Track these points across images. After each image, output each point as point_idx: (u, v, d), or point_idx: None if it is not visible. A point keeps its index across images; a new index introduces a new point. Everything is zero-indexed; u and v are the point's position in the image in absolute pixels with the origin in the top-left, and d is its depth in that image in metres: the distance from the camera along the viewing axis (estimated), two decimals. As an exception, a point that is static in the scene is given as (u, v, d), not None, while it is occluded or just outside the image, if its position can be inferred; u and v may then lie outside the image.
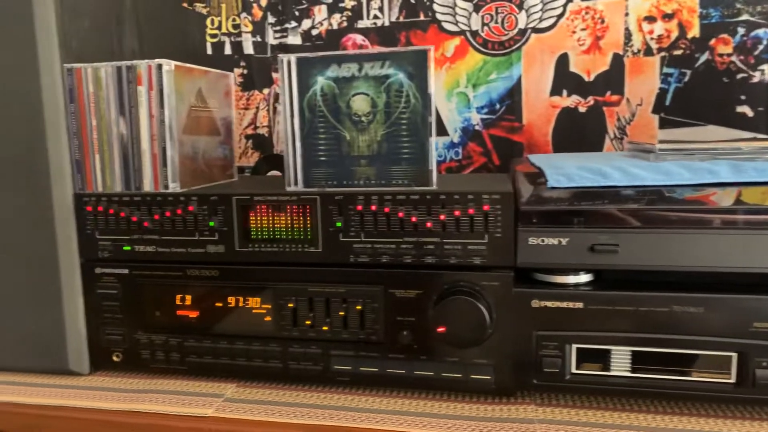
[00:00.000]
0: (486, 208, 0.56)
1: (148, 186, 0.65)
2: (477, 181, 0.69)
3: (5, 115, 0.64)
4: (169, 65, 0.63)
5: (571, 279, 0.58)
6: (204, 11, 1.10)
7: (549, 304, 0.57)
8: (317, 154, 0.63)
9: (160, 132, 0.64)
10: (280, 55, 0.62)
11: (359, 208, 0.59)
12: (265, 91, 1.10)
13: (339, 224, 0.60)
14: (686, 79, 0.96)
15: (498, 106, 1.02)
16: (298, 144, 0.63)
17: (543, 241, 0.57)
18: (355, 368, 0.62)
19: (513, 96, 1.02)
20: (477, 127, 1.03)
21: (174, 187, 0.65)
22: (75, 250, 0.67)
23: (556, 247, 0.56)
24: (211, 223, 0.63)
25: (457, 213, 0.57)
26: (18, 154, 0.65)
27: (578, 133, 1.00)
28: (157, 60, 0.63)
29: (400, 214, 0.58)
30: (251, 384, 0.65)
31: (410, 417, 0.57)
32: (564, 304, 0.57)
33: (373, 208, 0.59)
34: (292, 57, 0.62)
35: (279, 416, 0.58)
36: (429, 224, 0.58)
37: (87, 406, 0.62)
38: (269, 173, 1.00)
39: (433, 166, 0.60)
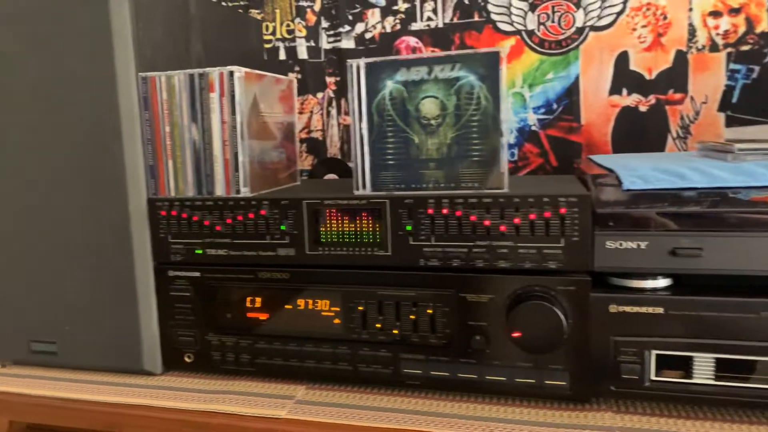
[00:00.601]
0: (563, 211, 0.55)
1: (219, 191, 0.66)
2: (545, 184, 0.68)
3: (84, 123, 0.67)
4: (240, 72, 0.64)
5: (649, 283, 0.57)
6: (258, 17, 1.11)
7: (628, 309, 0.56)
8: (385, 157, 0.63)
9: (231, 138, 0.65)
10: (348, 60, 0.62)
11: (430, 211, 0.59)
12: (319, 95, 1.11)
13: (409, 228, 0.60)
14: (754, 75, 0.92)
15: (555, 106, 1.01)
16: (366, 148, 0.63)
17: (621, 244, 0.55)
18: (425, 372, 0.62)
19: (571, 95, 1.00)
20: (533, 128, 1.02)
21: (245, 191, 0.66)
22: (149, 254, 0.69)
23: (635, 250, 0.55)
24: (283, 227, 0.64)
25: (532, 216, 0.56)
26: (95, 160, 0.67)
27: (639, 132, 0.98)
28: (228, 67, 0.64)
29: (473, 218, 0.58)
30: (320, 386, 0.66)
31: (483, 422, 0.57)
32: (643, 309, 0.55)
33: (445, 211, 0.59)
34: (361, 62, 0.62)
35: (352, 419, 0.59)
36: (503, 228, 0.57)
37: (164, 405, 0.63)
38: (326, 176, 1.01)
39: (505, 169, 0.59)
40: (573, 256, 0.56)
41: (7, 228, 0.71)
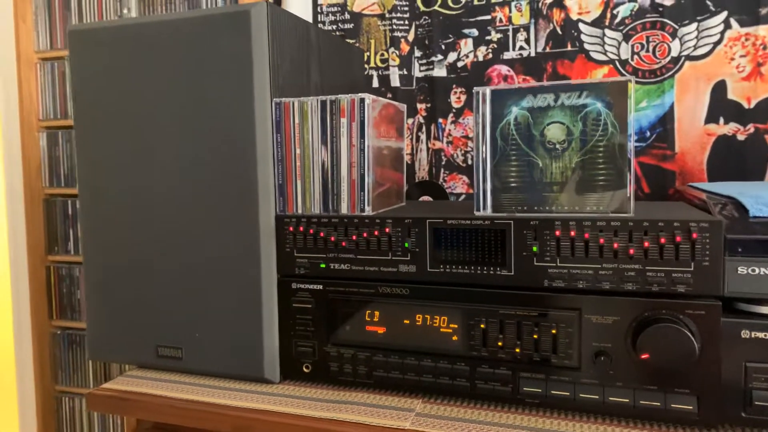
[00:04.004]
0: (694, 235, 0.56)
1: (345, 209, 0.70)
2: (661, 209, 0.69)
3: (223, 144, 0.72)
4: (369, 99, 0.69)
5: (780, 310, 0.57)
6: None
7: (761, 335, 0.56)
8: (508, 180, 0.66)
9: (359, 160, 0.69)
10: (475, 88, 0.66)
11: (557, 233, 0.61)
12: (410, 120, 1.15)
13: (535, 249, 0.62)
14: None
15: (648, 133, 1.02)
16: (488, 170, 0.66)
17: (753, 270, 0.56)
18: (545, 391, 0.63)
19: (665, 124, 1.01)
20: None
21: (368, 210, 0.69)
22: (274, 267, 0.73)
23: (769, 277, 0.55)
24: (406, 245, 0.67)
25: (662, 240, 0.57)
26: (231, 178, 0.72)
27: (737, 161, 0.97)
28: (359, 94, 0.69)
29: (601, 240, 0.59)
30: (437, 401, 0.68)
31: (610, 443, 0.57)
32: (779, 336, 0.55)
33: (573, 233, 0.60)
34: (487, 89, 0.65)
35: (474, 433, 0.60)
36: (631, 251, 0.58)
37: (291, 411, 0.66)
38: (420, 198, 1.04)
39: (631, 193, 0.61)
40: (703, 281, 0.57)
41: (145, 237, 0.77)
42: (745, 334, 0.56)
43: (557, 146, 0.63)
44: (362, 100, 0.68)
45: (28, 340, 1.50)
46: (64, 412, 1.51)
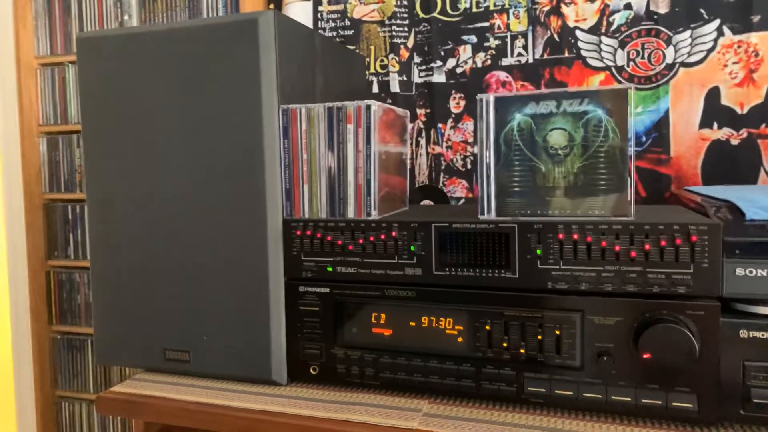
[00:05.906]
0: (693, 238, 0.58)
1: (351, 213, 0.71)
2: (660, 213, 0.71)
3: (232, 150, 0.73)
4: (375, 105, 0.70)
5: (776, 310, 0.59)
6: (354, 53, 1.19)
7: (759, 335, 0.58)
8: (511, 184, 0.67)
9: (365, 165, 0.70)
10: (479, 95, 0.67)
11: (561, 236, 0.63)
12: (409, 126, 1.17)
13: (539, 252, 0.64)
14: None
15: (644, 138, 1.04)
16: (492, 175, 0.68)
17: (751, 272, 0.58)
18: (549, 391, 0.64)
19: (660, 129, 1.03)
20: (623, 160, 1.05)
21: (374, 214, 0.71)
22: (281, 270, 0.74)
23: (766, 278, 0.57)
24: (412, 248, 0.68)
25: (663, 243, 0.59)
26: (240, 183, 0.73)
27: (730, 165, 1.00)
28: (365, 101, 0.70)
29: (603, 243, 0.61)
30: (443, 401, 0.69)
31: (613, 441, 0.59)
32: (776, 336, 0.57)
33: (575, 236, 0.62)
34: (491, 96, 0.67)
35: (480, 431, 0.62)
36: (633, 253, 0.60)
37: (299, 413, 0.67)
38: (422, 202, 1.06)
39: (632, 198, 0.62)
40: (702, 282, 0.59)
41: (153, 241, 0.78)
42: (743, 333, 0.58)
43: (559, 152, 0.65)
44: (368, 107, 0.70)
45: (28, 345, 1.50)
46: (64, 417, 1.51)
